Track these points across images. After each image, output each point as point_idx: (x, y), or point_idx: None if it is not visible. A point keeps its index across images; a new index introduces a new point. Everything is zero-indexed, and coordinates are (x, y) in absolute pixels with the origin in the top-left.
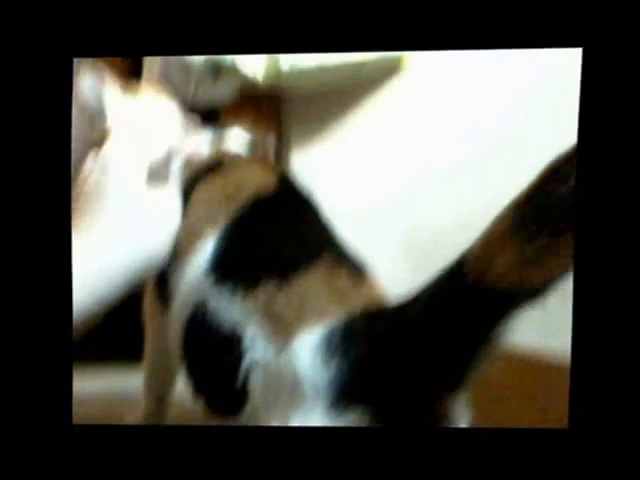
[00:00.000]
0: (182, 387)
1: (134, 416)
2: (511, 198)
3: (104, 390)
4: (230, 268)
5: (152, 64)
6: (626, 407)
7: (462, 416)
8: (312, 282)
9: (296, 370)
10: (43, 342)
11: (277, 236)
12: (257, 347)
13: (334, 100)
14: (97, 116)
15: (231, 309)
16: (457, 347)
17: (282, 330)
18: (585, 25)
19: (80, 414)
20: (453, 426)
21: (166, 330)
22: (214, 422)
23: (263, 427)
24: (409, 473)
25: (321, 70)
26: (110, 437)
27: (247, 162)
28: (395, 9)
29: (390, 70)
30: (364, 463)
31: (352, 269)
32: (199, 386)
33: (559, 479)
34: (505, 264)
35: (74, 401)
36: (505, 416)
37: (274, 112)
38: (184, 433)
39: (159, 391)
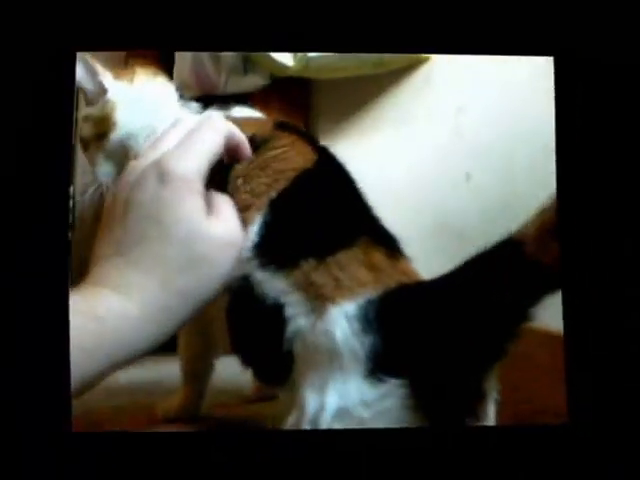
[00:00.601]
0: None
1: (168, 405)
2: (539, 183)
3: (136, 380)
4: (273, 245)
5: (184, 57)
6: (626, 401)
7: (494, 389)
8: (350, 258)
9: (334, 338)
10: (41, 346)
11: (318, 213)
12: (298, 317)
13: (362, 87)
14: (95, 92)
15: (273, 284)
16: (500, 320)
17: (320, 300)
18: (556, 34)
19: (112, 404)
20: (486, 399)
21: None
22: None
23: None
24: (408, 471)
25: (345, 57)
26: (110, 444)
27: (291, 138)
28: (388, 11)
29: (412, 61)
30: (364, 464)
31: (390, 248)
32: (246, 359)
33: (559, 474)
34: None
35: (108, 390)
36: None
37: (302, 100)
38: (186, 439)
39: (197, 379)
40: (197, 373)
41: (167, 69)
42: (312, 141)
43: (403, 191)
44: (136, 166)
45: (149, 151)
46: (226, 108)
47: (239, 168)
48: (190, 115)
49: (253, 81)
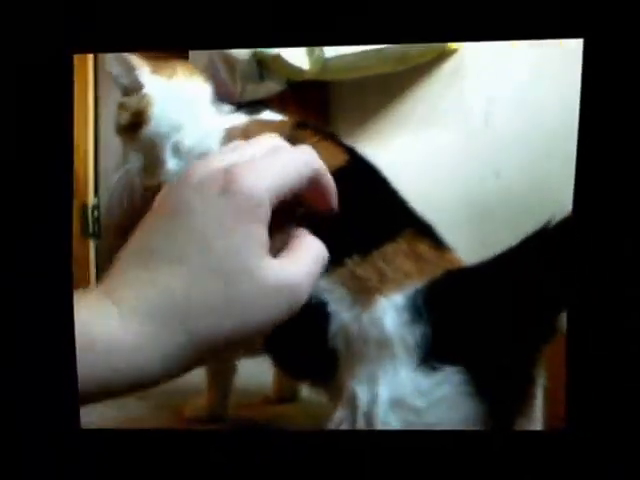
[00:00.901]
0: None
1: (195, 408)
2: (567, 174)
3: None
4: None
5: (198, 63)
6: (626, 407)
7: (542, 375)
8: (395, 250)
9: (383, 328)
10: (48, 346)
11: (356, 214)
12: (341, 312)
13: (384, 85)
14: (131, 86)
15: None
16: (549, 300)
17: (366, 292)
18: (586, 17)
19: (141, 407)
20: (536, 384)
21: None
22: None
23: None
24: (405, 475)
25: (366, 55)
26: (118, 441)
27: (316, 137)
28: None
29: (437, 54)
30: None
31: (434, 241)
32: (282, 359)
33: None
34: None
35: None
36: None
37: (321, 103)
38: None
39: (221, 381)
40: (220, 375)
41: None
42: (339, 141)
43: (432, 187)
44: (201, 167)
45: (223, 154)
46: (255, 112)
47: None
48: (224, 117)
49: (269, 87)
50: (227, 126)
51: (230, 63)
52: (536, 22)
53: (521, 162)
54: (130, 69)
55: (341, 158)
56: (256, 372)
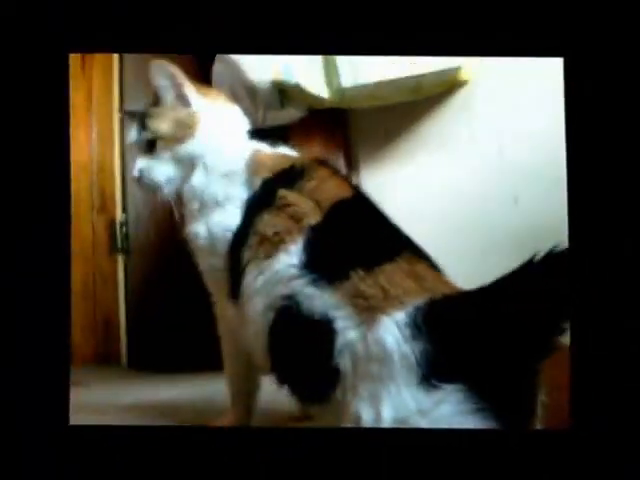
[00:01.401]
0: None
1: (225, 421)
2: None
3: (193, 397)
4: (320, 263)
5: (220, 90)
6: (628, 409)
7: (540, 389)
8: (396, 270)
9: (385, 345)
10: (41, 346)
11: (360, 235)
12: (347, 330)
13: (401, 113)
14: (179, 99)
15: (322, 299)
16: (547, 320)
17: (370, 311)
18: (566, 36)
19: (163, 422)
20: (535, 399)
21: (242, 330)
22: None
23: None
24: (410, 475)
25: (382, 84)
26: (106, 438)
27: (328, 172)
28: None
29: (449, 85)
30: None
31: (431, 265)
32: (286, 377)
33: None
34: None
35: (170, 407)
36: None
37: (341, 130)
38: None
39: (244, 398)
40: (243, 392)
41: None
42: (346, 179)
43: (450, 214)
44: None
45: None
46: (274, 144)
47: (283, 191)
48: (249, 143)
49: (290, 114)
50: (251, 152)
51: (251, 91)
52: (517, 41)
53: (537, 188)
54: (177, 84)
55: (348, 191)
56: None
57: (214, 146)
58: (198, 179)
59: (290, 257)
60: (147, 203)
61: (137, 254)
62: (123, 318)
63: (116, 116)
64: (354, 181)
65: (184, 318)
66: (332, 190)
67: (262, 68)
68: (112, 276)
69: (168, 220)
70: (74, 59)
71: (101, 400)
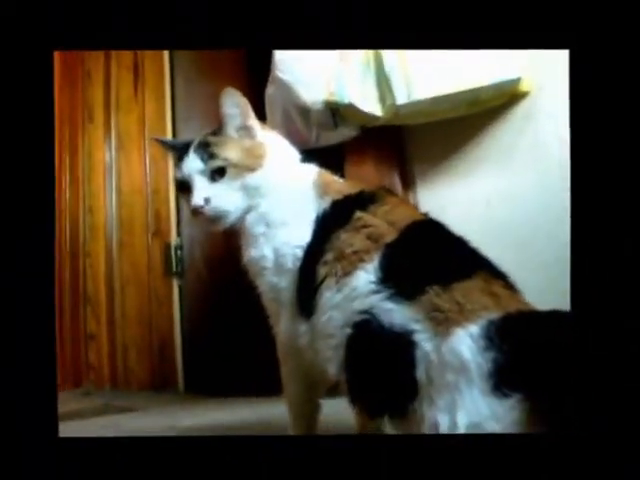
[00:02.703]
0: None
1: None
2: None
3: (251, 421)
4: (397, 279)
5: (274, 113)
6: (628, 410)
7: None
8: (471, 287)
9: (461, 355)
10: (28, 356)
11: (436, 253)
12: (424, 342)
13: (455, 131)
14: (245, 129)
15: (401, 313)
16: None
17: (445, 323)
18: (572, 27)
19: None
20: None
21: (314, 346)
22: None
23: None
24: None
25: (437, 100)
26: (97, 450)
27: (398, 199)
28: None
29: (509, 97)
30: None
31: (507, 283)
32: (362, 391)
33: None
34: None
35: (229, 431)
36: None
37: (395, 147)
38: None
39: (305, 420)
40: (304, 415)
41: None
42: (415, 206)
43: (511, 227)
44: None
45: None
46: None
47: (359, 213)
48: (317, 169)
49: (343, 133)
50: (316, 174)
51: (304, 112)
52: (523, 33)
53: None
54: (246, 115)
55: (421, 215)
56: (339, 412)
57: (281, 173)
58: (266, 205)
59: (368, 274)
60: (201, 226)
61: (192, 278)
62: (179, 342)
63: (169, 138)
64: (411, 200)
65: (240, 342)
66: (405, 213)
67: (315, 89)
68: (167, 300)
69: (223, 243)
70: (127, 84)
71: (160, 425)
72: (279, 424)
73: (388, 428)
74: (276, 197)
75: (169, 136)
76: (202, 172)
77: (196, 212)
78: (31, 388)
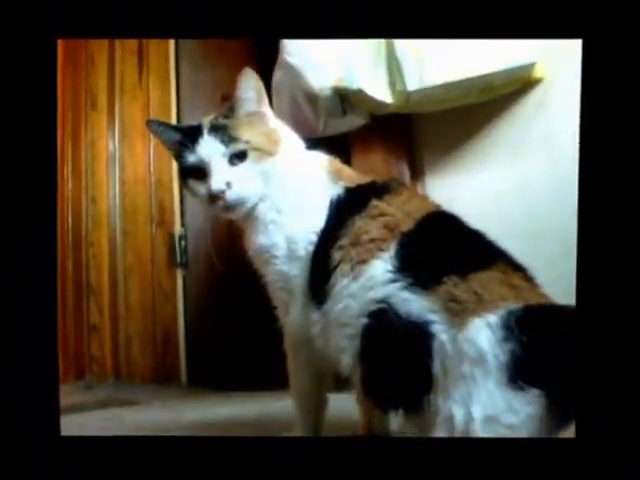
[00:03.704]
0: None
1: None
2: None
3: (256, 414)
4: (415, 269)
5: (281, 101)
6: (633, 416)
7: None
8: (490, 278)
9: (479, 346)
10: (30, 354)
11: (453, 244)
12: (441, 333)
13: (466, 119)
14: (258, 115)
15: (418, 303)
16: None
17: (462, 314)
18: (585, 17)
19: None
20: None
21: (327, 334)
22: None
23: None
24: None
25: (448, 87)
26: (98, 449)
27: (412, 190)
28: None
29: (522, 84)
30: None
31: (526, 275)
32: (376, 382)
33: None
34: None
35: (233, 424)
36: None
37: (404, 136)
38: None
39: (311, 414)
40: (311, 408)
41: None
42: (428, 198)
43: (521, 218)
44: None
45: None
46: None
47: (375, 201)
48: (317, 156)
49: (352, 121)
50: (328, 160)
51: (312, 98)
52: (536, 22)
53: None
54: (261, 101)
55: (434, 205)
56: (345, 407)
57: (294, 160)
58: (278, 192)
59: (385, 264)
60: (206, 216)
61: (196, 268)
62: (182, 335)
63: None
64: (419, 190)
65: (245, 335)
66: (421, 204)
67: (323, 74)
68: (171, 291)
69: (228, 234)
70: (131, 71)
71: (162, 418)
72: (284, 418)
73: (398, 423)
74: (289, 184)
75: (173, 124)
76: (222, 155)
77: (215, 198)
78: (32, 384)
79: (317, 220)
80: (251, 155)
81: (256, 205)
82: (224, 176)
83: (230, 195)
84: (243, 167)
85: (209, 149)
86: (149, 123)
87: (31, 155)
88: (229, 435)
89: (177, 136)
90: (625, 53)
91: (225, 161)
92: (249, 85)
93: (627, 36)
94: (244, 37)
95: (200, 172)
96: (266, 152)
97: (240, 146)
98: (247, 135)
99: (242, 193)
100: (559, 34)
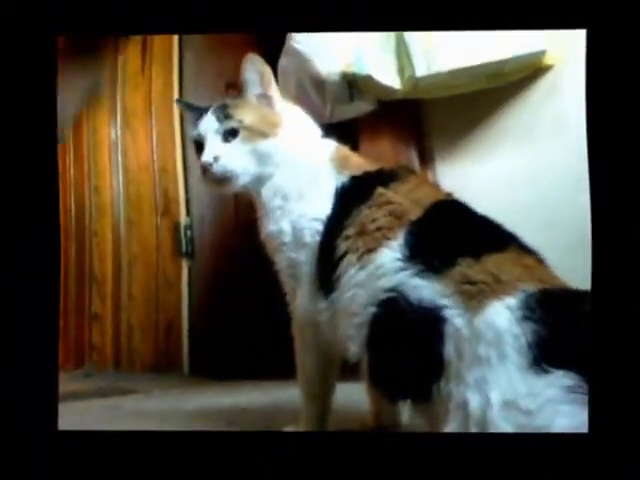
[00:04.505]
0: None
1: (295, 427)
2: None
3: (260, 403)
4: (426, 255)
5: (287, 87)
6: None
7: None
8: (504, 260)
9: (497, 328)
10: (30, 349)
11: (465, 229)
12: (455, 317)
13: (475, 105)
14: (265, 97)
15: (430, 289)
16: None
17: (479, 297)
18: (589, 6)
19: (231, 429)
20: None
21: (335, 323)
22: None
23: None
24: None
25: (458, 72)
26: (96, 443)
27: (420, 178)
28: None
29: (532, 70)
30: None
31: (537, 257)
32: (385, 371)
33: None
34: None
35: (236, 413)
36: None
37: (413, 123)
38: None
39: (318, 401)
40: (318, 394)
41: None
42: (437, 185)
43: (532, 205)
44: None
45: None
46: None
47: (381, 189)
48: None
49: (359, 107)
50: (334, 148)
51: (320, 85)
52: (539, 13)
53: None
54: (267, 84)
55: (446, 194)
56: (354, 397)
57: (296, 145)
58: (281, 176)
59: (394, 252)
60: (212, 206)
61: (201, 258)
62: (186, 324)
63: (177, 117)
64: (429, 177)
65: (248, 325)
66: (429, 192)
67: (331, 59)
68: (176, 281)
69: (233, 223)
70: (135, 59)
71: (163, 407)
72: (289, 408)
73: (407, 413)
74: (291, 169)
75: (176, 114)
76: (216, 131)
77: (205, 170)
78: (32, 373)
79: (321, 208)
80: (242, 133)
81: (258, 189)
82: (214, 150)
83: (216, 168)
84: (234, 143)
85: (207, 125)
86: (178, 102)
87: (32, 144)
88: (231, 430)
89: (193, 113)
90: (629, 43)
91: (219, 137)
92: (253, 68)
93: (631, 26)
94: (247, 32)
95: (200, 146)
96: (259, 132)
97: (232, 124)
98: (241, 115)
99: (228, 167)
100: (563, 24)
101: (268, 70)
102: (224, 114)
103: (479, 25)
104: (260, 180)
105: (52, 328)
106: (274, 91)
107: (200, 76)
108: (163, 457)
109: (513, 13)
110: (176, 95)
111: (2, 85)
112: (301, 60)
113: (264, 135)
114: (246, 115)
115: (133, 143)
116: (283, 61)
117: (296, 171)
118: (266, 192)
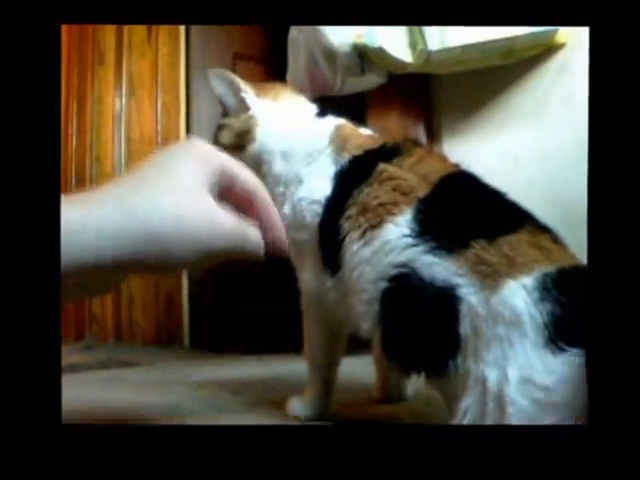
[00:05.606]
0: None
1: (296, 405)
2: None
3: (264, 375)
4: (437, 233)
5: (298, 59)
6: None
7: None
8: (519, 241)
9: (514, 307)
10: (31, 340)
11: (477, 206)
12: (470, 296)
13: (485, 81)
14: (236, 106)
15: (443, 266)
16: None
17: (494, 277)
18: (593, 4)
19: (235, 402)
20: None
21: (345, 300)
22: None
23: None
24: (423, 471)
25: (469, 49)
26: (99, 437)
27: (425, 150)
28: None
29: (544, 48)
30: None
31: (553, 236)
32: (399, 347)
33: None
34: None
35: (241, 384)
36: None
37: (422, 98)
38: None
39: (325, 375)
40: (323, 365)
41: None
42: (446, 158)
43: (541, 184)
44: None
45: None
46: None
47: (382, 165)
48: (326, 120)
49: (370, 80)
50: (334, 128)
51: (330, 56)
52: (543, 9)
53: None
54: (236, 90)
55: (454, 167)
56: (360, 370)
57: (286, 133)
58: (279, 166)
59: (400, 227)
60: None
61: None
62: (186, 296)
63: (183, 87)
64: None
65: (248, 299)
66: (436, 165)
67: (343, 31)
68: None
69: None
70: (140, 27)
71: (166, 378)
72: (292, 381)
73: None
74: (287, 157)
75: (182, 82)
76: None
77: None
78: (33, 347)
79: (320, 191)
80: (229, 153)
81: (265, 182)
82: None
83: None
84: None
85: None
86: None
87: (33, 144)
88: (238, 424)
89: None
90: (631, 43)
91: None
92: (219, 83)
93: (635, 24)
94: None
95: None
96: (238, 147)
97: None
98: (221, 136)
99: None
100: (566, 21)
101: (232, 77)
102: (214, 140)
103: (479, 22)
104: (263, 177)
105: (53, 304)
106: (245, 93)
107: (207, 46)
108: (167, 449)
109: (515, 10)
110: (182, 65)
111: (5, 74)
112: (312, 30)
113: (243, 148)
114: (224, 136)
115: (137, 113)
116: (293, 32)
117: (292, 158)
118: (269, 182)
